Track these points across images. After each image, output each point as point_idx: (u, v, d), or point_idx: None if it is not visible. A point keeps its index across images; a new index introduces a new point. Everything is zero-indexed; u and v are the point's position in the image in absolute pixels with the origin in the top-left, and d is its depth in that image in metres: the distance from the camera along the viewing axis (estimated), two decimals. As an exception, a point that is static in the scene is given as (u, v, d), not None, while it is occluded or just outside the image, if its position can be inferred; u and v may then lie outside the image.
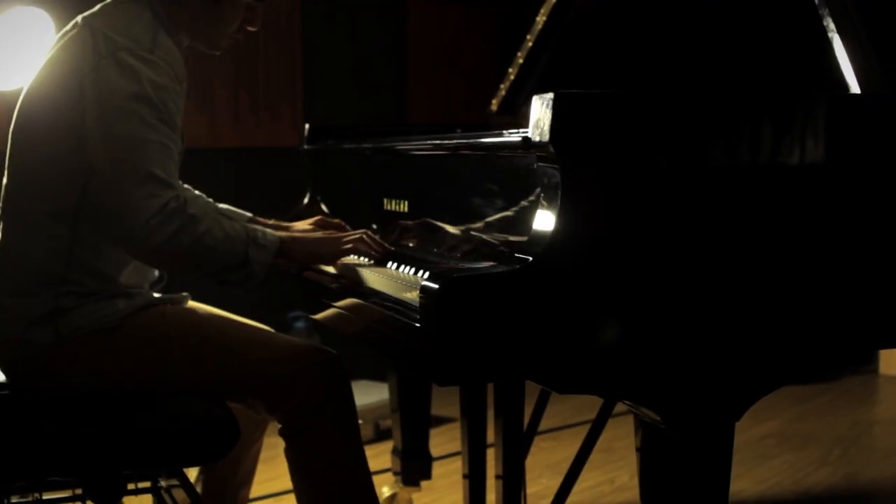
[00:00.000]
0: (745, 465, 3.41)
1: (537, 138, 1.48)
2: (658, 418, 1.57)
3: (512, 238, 1.69)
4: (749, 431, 3.80)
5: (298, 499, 2.01)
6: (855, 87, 1.75)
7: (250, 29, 2.07)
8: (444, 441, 3.62)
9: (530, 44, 2.61)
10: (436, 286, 1.43)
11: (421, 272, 1.81)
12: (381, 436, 3.75)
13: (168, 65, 1.88)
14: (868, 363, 4.77)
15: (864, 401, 4.35)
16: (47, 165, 1.89)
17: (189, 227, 1.81)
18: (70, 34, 1.93)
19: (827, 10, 1.81)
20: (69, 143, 1.86)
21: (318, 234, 2.11)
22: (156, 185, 1.79)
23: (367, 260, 2.06)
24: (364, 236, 2.03)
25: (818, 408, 4.18)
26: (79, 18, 1.96)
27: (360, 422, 2.04)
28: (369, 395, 3.86)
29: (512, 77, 2.70)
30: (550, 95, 1.45)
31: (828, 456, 3.52)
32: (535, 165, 1.53)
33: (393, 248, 2.06)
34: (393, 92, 4.95)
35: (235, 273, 1.89)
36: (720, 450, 1.64)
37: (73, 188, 1.88)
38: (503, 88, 2.74)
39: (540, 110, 1.47)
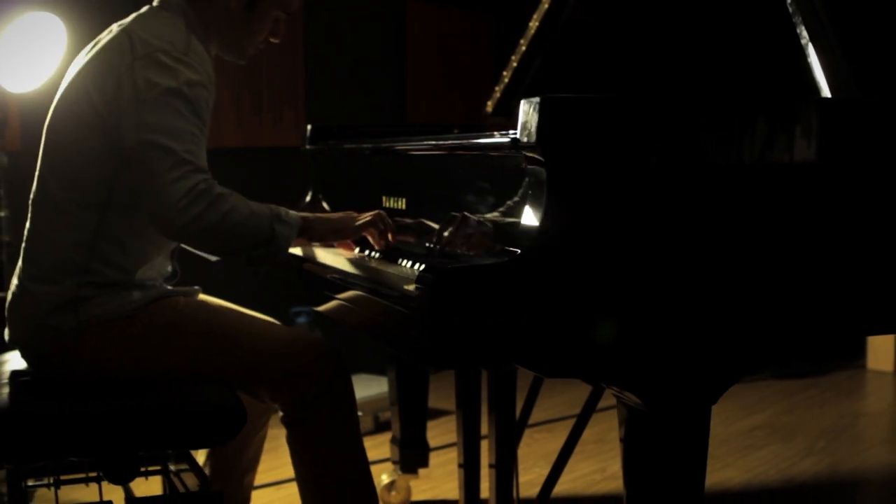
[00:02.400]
0: (733, 455, 3.49)
1: (525, 139, 1.58)
2: (639, 401, 1.67)
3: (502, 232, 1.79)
4: (739, 423, 3.89)
5: (300, 484, 2.10)
6: (826, 92, 1.86)
7: (273, 40, 2.19)
8: (441, 433, 3.69)
9: (523, 48, 2.70)
10: (431, 277, 1.54)
11: (418, 265, 1.91)
12: (380, 427, 3.81)
13: (200, 66, 1.99)
14: (856, 358, 4.85)
15: (851, 394, 4.41)
16: (81, 159, 1.99)
17: (216, 205, 1.90)
18: (106, 40, 2.04)
19: (801, 19, 1.91)
20: (103, 139, 1.96)
21: (336, 214, 2.19)
22: (185, 169, 1.89)
23: (366, 254, 2.15)
24: (381, 212, 2.11)
25: (806, 401, 4.25)
26: (114, 26, 2.08)
27: (360, 414, 2.13)
28: (369, 388, 3.91)
29: (506, 80, 2.79)
30: (537, 99, 1.55)
31: (813, 447, 3.59)
32: (524, 165, 1.63)
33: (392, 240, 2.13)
34: (392, 93, 5.01)
35: (261, 249, 1.97)
36: (697, 431, 1.71)
37: (105, 182, 1.98)
38: (498, 91, 2.83)
39: (527, 113, 1.57)
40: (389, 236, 2.11)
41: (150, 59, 1.94)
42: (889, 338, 4.68)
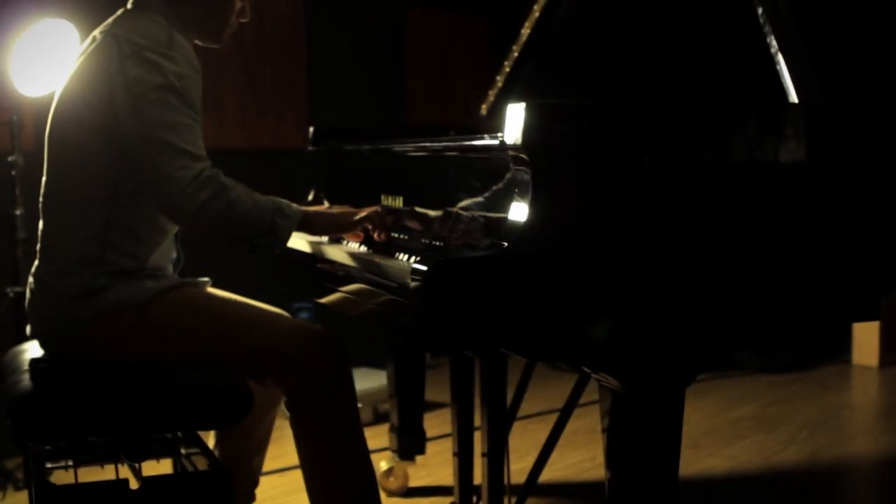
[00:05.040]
0: (718, 445, 3.61)
1: (511, 141, 1.71)
2: (618, 384, 1.80)
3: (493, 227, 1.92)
4: (725, 415, 4.01)
5: (303, 466, 2.21)
6: (793, 97, 1.99)
7: (242, 20, 2.31)
8: (437, 424, 3.80)
9: (516, 54, 2.82)
10: (425, 268, 1.66)
11: (414, 258, 2.04)
12: (379, 418, 3.91)
13: (185, 57, 2.11)
14: (842, 353, 4.96)
15: (835, 388, 4.52)
16: (84, 158, 2.12)
17: (221, 194, 2.03)
18: (93, 46, 2.15)
19: (771, 29, 2.04)
20: (102, 136, 2.08)
21: (336, 209, 2.32)
22: (188, 159, 2.02)
23: (368, 249, 2.28)
24: (378, 209, 2.25)
25: (791, 394, 4.36)
26: (96, 32, 2.19)
27: (359, 405, 2.25)
28: (368, 380, 4.00)
29: (500, 84, 2.90)
30: (522, 104, 1.68)
31: (796, 437, 3.71)
32: (511, 165, 1.76)
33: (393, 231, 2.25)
34: (392, 96, 5.10)
35: (263, 238, 2.10)
36: (672, 412, 1.84)
37: (108, 177, 2.11)
38: (492, 94, 2.94)
39: (513, 117, 1.70)
40: (383, 235, 2.23)
41: (137, 57, 2.06)
42: (874, 333, 4.80)
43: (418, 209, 2.21)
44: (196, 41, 2.29)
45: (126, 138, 2.06)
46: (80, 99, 2.12)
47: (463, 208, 2.02)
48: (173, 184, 2.01)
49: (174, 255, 2.30)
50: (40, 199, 2.21)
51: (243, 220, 2.06)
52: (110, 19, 2.20)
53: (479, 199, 1.96)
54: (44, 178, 2.21)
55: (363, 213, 2.25)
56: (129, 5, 2.23)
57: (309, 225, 2.21)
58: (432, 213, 2.14)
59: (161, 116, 2.03)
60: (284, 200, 2.16)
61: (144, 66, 2.05)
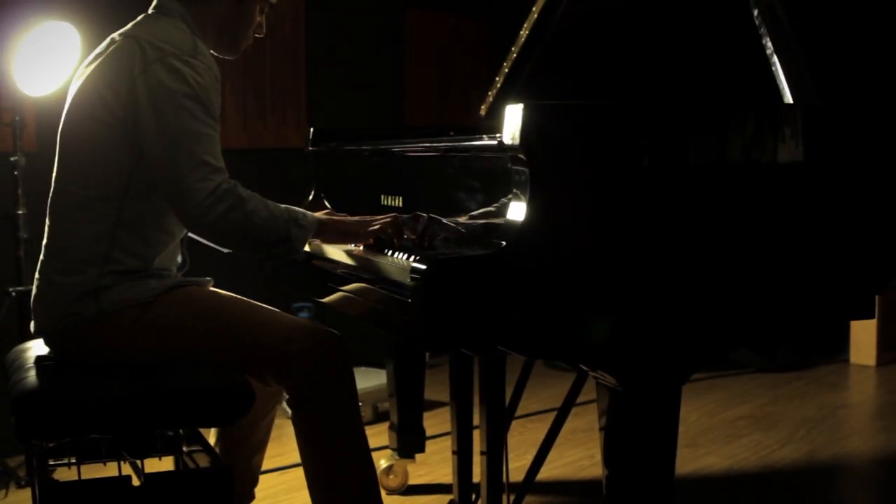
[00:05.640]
0: (716, 443, 3.64)
1: (509, 142, 1.73)
2: (615, 382, 1.82)
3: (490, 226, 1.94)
4: (723, 414, 4.03)
5: (304, 462, 2.23)
6: (788, 98, 2.01)
7: (258, 35, 2.34)
8: (437, 423, 3.83)
9: (514, 55, 2.84)
10: (424, 267, 1.69)
11: (413, 257, 2.06)
12: (379, 417, 3.93)
13: (207, 66, 2.13)
14: (840, 352, 4.99)
15: (833, 387, 4.54)
16: (99, 157, 2.13)
17: (239, 206, 2.05)
18: (114, 47, 2.16)
19: (767, 31, 2.06)
20: (118, 136, 2.10)
21: (352, 217, 2.32)
22: (207, 170, 2.04)
23: (367, 248, 2.30)
24: (390, 219, 2.23)
25: (789, 393, 4.39)
26: (115, 35, 2.20)
27: (360, 404, 2.27)
28: (368, 380, 4.02)
29: (499, 84, 2.93)
30: (520, 106, 1.71)
31: (793, 435, 3.73)
32: (509, 165, 1.78)
33: (415, 237, 2.21)
34: (391, 97, 5.12)
35: (278, 248, 2.12)
36: (669, 409, 1.86)
37: (122, 175, 2.12)
38: (491, 95, 2.96)
39: (512, 118, 1.73)
40: (396, 240, 2.23)
41: (162, 63, 2.07)
42: (872, 333, 4.82)
43: (435, 216, 2.21)
44: (212, 51, 2.30)
45: (147, 146, 2.07)
46: (97, 98, 2.13)
47: (473, 216, 2.04)
48: (192, 195, 2.03)
49: (179, 258, 2.32)
50: (50, 195, 2.23)
51: (259, 232, 2.09)
52: (130, 24, 2.21)
53: (491, 208, 1.98)
54: (54, 175, 2.22)
55: (377, 225, 2.24)
56: (150, 10, 2.24)
57: (322, 233, 2.24)
58: (462, 219, 2.14)
59: (183, 125, 2.05)
60: (300, 210, 2.18)
61: (169, 73, 2.07)
